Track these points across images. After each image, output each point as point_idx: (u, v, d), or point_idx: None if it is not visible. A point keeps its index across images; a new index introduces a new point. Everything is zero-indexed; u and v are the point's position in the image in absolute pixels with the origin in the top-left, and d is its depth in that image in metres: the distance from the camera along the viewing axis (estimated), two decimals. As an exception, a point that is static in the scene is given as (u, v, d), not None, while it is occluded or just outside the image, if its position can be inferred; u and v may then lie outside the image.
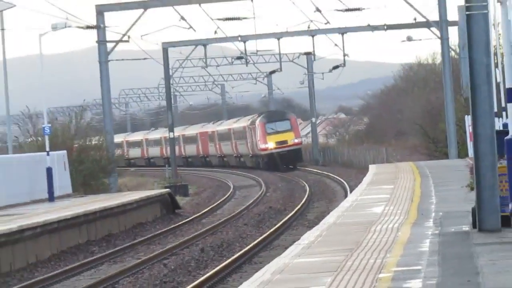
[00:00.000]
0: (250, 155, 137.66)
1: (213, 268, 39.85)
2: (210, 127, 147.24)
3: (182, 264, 44.17)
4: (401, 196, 47.36)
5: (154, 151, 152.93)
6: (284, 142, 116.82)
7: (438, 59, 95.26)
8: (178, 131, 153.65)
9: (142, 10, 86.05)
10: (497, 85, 38.37)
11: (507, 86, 32.45)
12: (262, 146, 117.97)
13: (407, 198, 45.81)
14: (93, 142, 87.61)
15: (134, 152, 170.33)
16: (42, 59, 72.16)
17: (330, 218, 39.99)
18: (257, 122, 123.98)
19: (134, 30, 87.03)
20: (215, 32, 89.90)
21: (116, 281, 40.00)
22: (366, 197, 49.64)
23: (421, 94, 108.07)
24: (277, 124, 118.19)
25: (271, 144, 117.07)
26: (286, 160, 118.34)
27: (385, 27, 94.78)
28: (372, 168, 73.43)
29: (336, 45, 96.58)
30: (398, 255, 26.64)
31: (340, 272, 24.28)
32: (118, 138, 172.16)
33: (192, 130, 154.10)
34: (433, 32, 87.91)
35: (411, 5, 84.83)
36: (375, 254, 27.16)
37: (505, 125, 32.23)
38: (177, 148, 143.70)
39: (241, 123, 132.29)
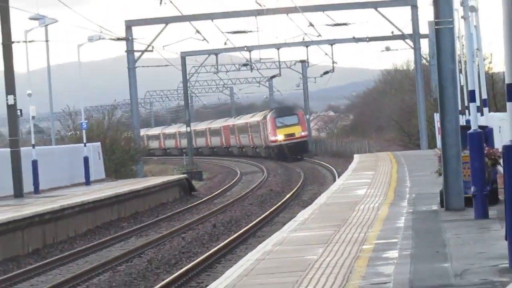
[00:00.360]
0: (263, 146, 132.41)
1: (223, 241, 40.45)
2: (231, 121, 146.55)
3: (197, 237, 44.46)
4: (380, 180, 47.45)
5: (186, 142, 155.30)
6: (292, 134, 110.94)
7: (412, 66, 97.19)
8: (205, 125, 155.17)
9: (164, 24, 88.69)
10: (461, 87, 38.96)
11: (469, 89, 33.28)
12: (272, 138, 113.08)
13: (386, 182, 46.01)
14: (122, 136, 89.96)
15: (169, 143, 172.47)
16: (80, 66, 73.70)
17: (321, 199, 40.08)
18: (268, 116, 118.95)
19: (157, 42, 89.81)
20: (225, 43, 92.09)
21: (142, 252, 40.44)
22: (351, 181, 49.72)
23: (397, 95, 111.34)
24: (286, 118, 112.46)
25: (280, 137, 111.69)
26: (294, 151, 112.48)
27: (367, 39, 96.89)
28: (356, 157, 73.35)
29: (326, 54, 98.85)
30: (378, 230, 27.20)
31: (330, 244, 24.84)
32: (156, 131, 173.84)
33: (216, 124, 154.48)
34: (407, 43, 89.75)
35: (389, 21, 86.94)
36: (359, 229, 27.71)
37: (468, 121, 32.16)
38: (204, 139, 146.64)
39: (255, 118, 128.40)
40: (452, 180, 30.50)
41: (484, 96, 34.69)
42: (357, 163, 64.98)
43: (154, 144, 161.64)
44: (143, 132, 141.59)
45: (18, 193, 55.03)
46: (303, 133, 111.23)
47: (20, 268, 37.55)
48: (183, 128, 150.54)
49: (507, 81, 18.87)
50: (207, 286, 23.53)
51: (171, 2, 64.32)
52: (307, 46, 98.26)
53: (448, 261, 20.59)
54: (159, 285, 29.89)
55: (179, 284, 30.51)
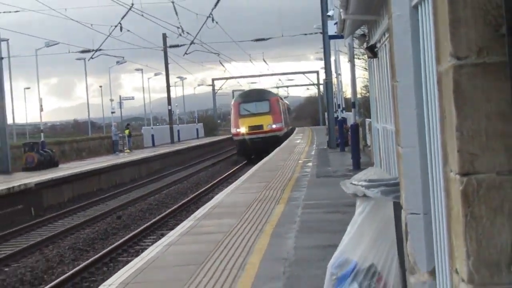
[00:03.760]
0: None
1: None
2: None
3: (238, 159, 39.21)
4: (306, 137, 45.95)
5: None
6: (259, 127, 37.01)
7: (317, 95, 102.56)
8: None
9: (226, 80, 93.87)
10: (335, 103, 33.97)
11: (337, 103, 33.09)
12: (234, 130, 38.24)
13: (307, 138, 45.08)
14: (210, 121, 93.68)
15: None
16: (195, 96, 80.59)
17: (283, 144, 37.75)
18: (232, 102, 41.98)
19: (224, 86, 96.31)
20: (249, 87, 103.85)
21: (217, 164, 38.12)
22: (294, 138, 47.91)
23: (312, 106, 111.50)
24: (252, 105, 38.04)
25: (243, 129, 36.93)
26: (260, 149, 35.68)
27: (301, 85, 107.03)
28: (296, 129, 69.53)
29: (285, 90, 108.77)
30: (304, 156, 26.68)
31: (287, 160, 24.62)
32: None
33: None
34: (316, 87, 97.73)
35: (308, 78, 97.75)
36: (297, 155, 27.44)
37: (337, 116, 30.86)
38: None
39: None
40: (331, 136, 30.91)
41: (343, 106, 33.99)
42: (296, 131, 63.59)
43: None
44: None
45: (171, 141, 56.41)
46: (274, 126, 38.68)
47: (184, 166, 37.60)
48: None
49: (352, 100, 21.10)
50: (240, 176, 21.11)
51: (228, 71, 71.15)
52: (278, 88, 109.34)
53: (330, 167, 20.75)
54: (223, 176, 28.35)
55: (232, 175, 28.41)
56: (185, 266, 7.93)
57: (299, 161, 23.55)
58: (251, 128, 36.60)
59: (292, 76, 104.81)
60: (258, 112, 37.34)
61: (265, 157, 27.24)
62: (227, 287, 6.82)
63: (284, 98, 74.40)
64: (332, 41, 29.97)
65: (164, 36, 52.83)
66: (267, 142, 35.97)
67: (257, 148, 35.93)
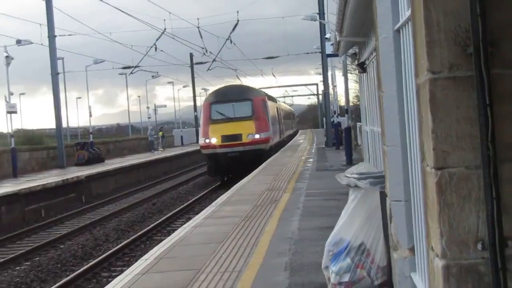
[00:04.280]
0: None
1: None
2: None
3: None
4: (307, 139, 44.58)
5: None
6: (235, 137, 18.50)
7: (316, 103, 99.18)
8: None
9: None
10: (331, 110, 35.11)
11: (333, 110, 31.21)
12: (201, 141, 19.30)
13: (308, 139, 43.96)
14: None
15: None
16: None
17: (288, 144, 37.33)
18: (204, 102, 21.49)
19: None
20: None
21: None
22: (297, 138, 46.99)
23: (312, 112, 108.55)
24: (228, 106, 18.84)
25: (214, 140, 18.44)
26: (239, 166, 19.15)
27: (303, 95, 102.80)
28: (299, 131, 67.04)
29: (291, 100, 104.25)
30: (305, 153, 26.28)
31: (291, 157, 23.84)
32: None
33: None
34: (316, 97, 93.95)
35: (310, 90, 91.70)
36: (300, 152, 27.00)
37: (333, 121, 29.38)
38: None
39: None
40: (328, 137, 30.79)
41: (338, 112, 31.05)
42: (300, 133, 61.84)
43: None
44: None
45: (197, 141, 50.13)
46: (257, 136, 19.69)
47: (199, 164, 35.23)
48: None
49: (345, 107, 21.64)
50: (253, 171, 19.34)
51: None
52: (284, 97, 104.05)
53: (327, 162, 20.36)
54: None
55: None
56: (208, 243, 7.93)
57: (302, 158, 23.14)
58: (225, 138, 20.98)
59: (296, 87, 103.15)
60: (236, 116, 21.74)
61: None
62: (243, 260, 6.85)
63: (290, 106, 55.59)
64: (329, 59, 29.11)
65: (191, 55, 52.75)
66: (247, 158, 21.17)
67: (233, 165, 21.11)
